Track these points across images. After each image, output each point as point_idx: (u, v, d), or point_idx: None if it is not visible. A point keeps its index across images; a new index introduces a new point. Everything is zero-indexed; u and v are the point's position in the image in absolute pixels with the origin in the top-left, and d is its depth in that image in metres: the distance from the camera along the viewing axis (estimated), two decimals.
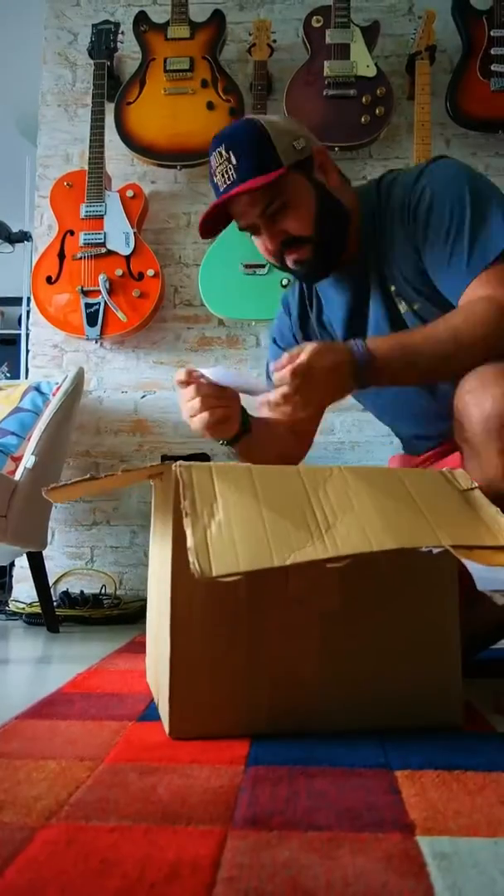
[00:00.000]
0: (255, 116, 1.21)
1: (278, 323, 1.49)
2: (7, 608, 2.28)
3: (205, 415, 1.12)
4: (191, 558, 0.77)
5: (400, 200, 1.20)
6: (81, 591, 2.25)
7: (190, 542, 0.79)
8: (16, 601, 2.28)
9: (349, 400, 2.42)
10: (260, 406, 1.06)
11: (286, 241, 1.19)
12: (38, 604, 2.03)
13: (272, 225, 1.19)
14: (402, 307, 1.25)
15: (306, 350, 1.01)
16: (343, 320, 1.35)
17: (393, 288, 1.24)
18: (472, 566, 0.81)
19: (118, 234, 2.38)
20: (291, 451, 1.41)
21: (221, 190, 1.17)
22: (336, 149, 2.37)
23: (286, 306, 1.47)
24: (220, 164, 1.16)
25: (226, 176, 1.15)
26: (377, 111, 2.34)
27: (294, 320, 1.44)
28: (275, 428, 1.33)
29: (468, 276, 1.11)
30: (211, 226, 1.22)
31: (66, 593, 2.25)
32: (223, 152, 1.16)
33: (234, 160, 1.14)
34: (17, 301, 3.90)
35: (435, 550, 0.82)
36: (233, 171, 1.14)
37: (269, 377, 1.40)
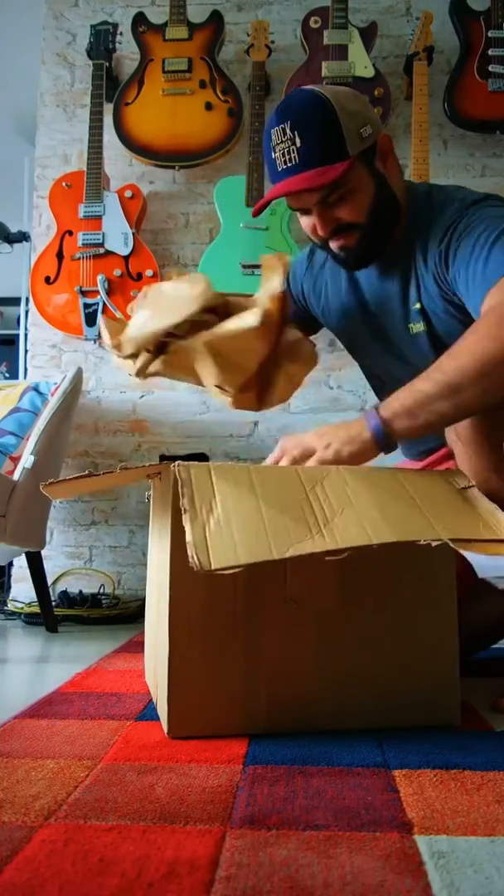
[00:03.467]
0: (324, 91, 1.13)
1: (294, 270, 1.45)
2: (6, 608, 2.28)
3: None
4: (190, 552, 0.77)
5: (443, 225, 1.16)
6: (80, 591, 2.26)
7: (189, 537, 0.79)
8: (14, 601, 2.28)
9: (347, 400, 2.42)
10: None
11: (338, 228, 1.17)
12: (36, 603, 2.03)
13: (326, 212, 1.16)
14: (418, 327, 1.23)
15: (310, 445, 1.01)
16: (363, 308, 1.33)
17: (418, 306, 1.22)
18: (471, 556, 0.80)
19: (117, 234, 2.38)
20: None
21: (280, 169, 1.13)
22: None
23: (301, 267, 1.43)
24: (283, 141, 1.11)
25: (287, 157, 1.11)
26: (375, 112, 2.34)
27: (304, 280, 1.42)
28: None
29: (483, 287, 1.06)
30: (264, 202, 1.19)
31: (64, 593, 2.25)
32: (287, 130, 1.11)
33: (298, 142, 1.10)
34: (15, 301, 3.90)
35: (434, 544, 0.82)
36: (296, 154, 1.10)
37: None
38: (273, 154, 1.14)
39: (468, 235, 1.11)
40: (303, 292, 1.42)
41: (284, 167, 1.12)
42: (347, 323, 1.36)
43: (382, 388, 1.40)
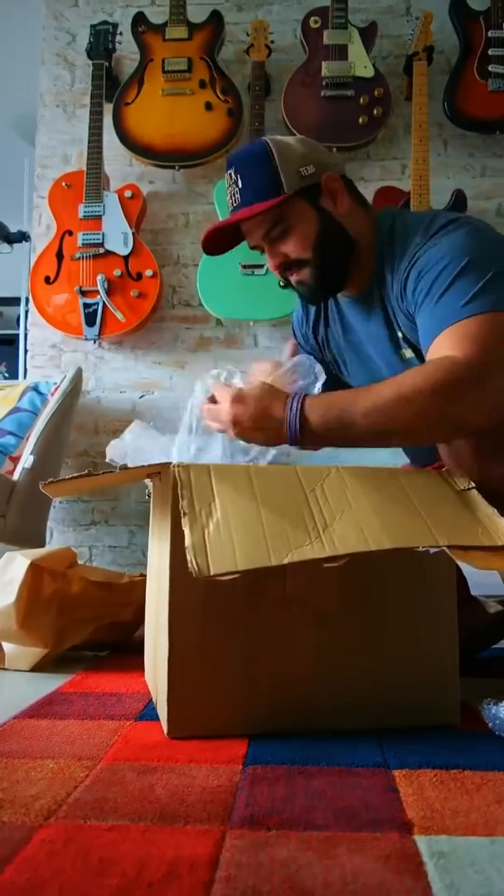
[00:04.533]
0: (269, 138, 1.21)
1: (295, 321, 1.50)
2: None
3: None
4: (189, 557, 0.77)
5: (406, 256, 1.17)
6: None
7: (188, 541, 0.79)
8: None
9: None
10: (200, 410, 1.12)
11: (286, 263, 1.22)
12: None
13: (273, 247, 1.22)
14: (408, 353, 1.24)
15: (252, 383, 1.06)
16: (351, 346, 1.36)
17: (401, 334, 1.23)
18: (467, 570, 0.81)
19: (116, 234, 2.38)
20: None
21: (229, 210, 1.21)
22: (334, 149, 2.37)
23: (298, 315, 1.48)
24: (230, 185, 1.20)
25: (233, 199, 1.20)
26: (375, 112, 2.34)
27: (305, 322, 1.46)
28: None
29: (435, 328, 1.05)
30: (221, 243, 1.26)
31: None
32: (232, 174, 1.19)
33: (239, 183, 1.18)
34: (15, 301, 3.90)
35: (432, 550, 0.82)
36: (238, 194, 1.18)
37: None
38: (226, 199, 1.23)
39: (428, 270, 1.10)
40: (314, 338, 1.45)
41: (231, 208, 1.20)
42: (351, 367, 1.40)
43: None
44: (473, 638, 1.23)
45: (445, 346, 1.01)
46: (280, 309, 2.29)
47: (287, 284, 1.29)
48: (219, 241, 1.25)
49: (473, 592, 1.27)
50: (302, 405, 1.01)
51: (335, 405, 1.01)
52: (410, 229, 1.19)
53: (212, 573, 0.76)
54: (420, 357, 1.21)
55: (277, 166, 1.16)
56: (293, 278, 1.25)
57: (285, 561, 0.79)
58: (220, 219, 2.37)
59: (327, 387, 1.39)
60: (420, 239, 1.15)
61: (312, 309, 1.43)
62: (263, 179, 1.17)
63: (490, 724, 0.87)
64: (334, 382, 1.46)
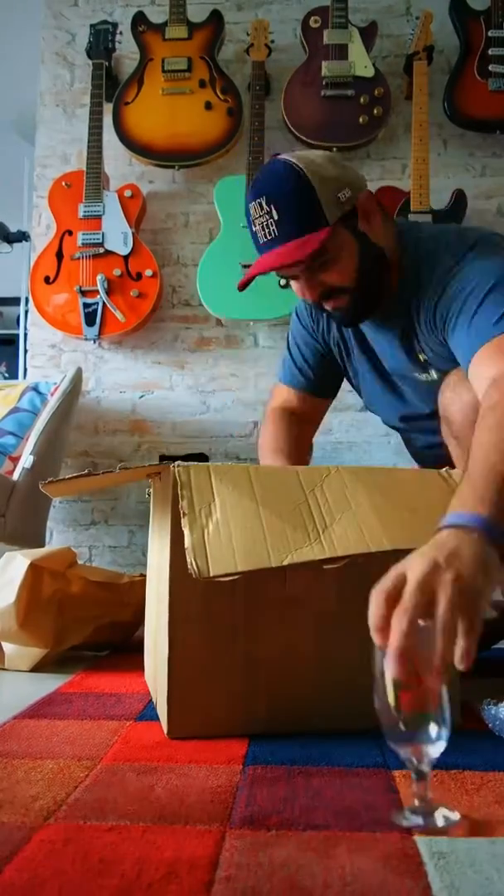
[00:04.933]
0: (298, 162, 1.11)
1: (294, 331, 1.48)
2: None
3: None
4: (188, 558, 0.77)
5: (433, 284, 1.14)
6: None
7: (188, 542, 0.79)
8: None
9: (347, 400, 2.40)
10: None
11: (326, 291, 1.17)
12: None
13: (313, 278, 1.16)
14: (426, 377, 1.23)
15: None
16: (364, 355, 1.35)
17: (423, 357, 1.22)
18: None
19: (116, 234, 2.38)
20: (306, 447, 1.53)
21: (262, 243, 1.13)
22: (334, 149, 2.37)
23: (300, 317, 1.45)
24: (261, 216, 1.11)
25: (266, 231, 1.11)
26: (375, 111, 2.34)
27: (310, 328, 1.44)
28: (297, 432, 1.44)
29: (472, 347, 1.04)
30: (249, 277, 1.19)
31: None
32: (264, 205, 1.10)
33: (275, 215, 1.09)
34: (15, 301, 3.91)
35: None
36: (274, 227, 1.10)
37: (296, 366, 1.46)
38: (253, 227, 1.14)
39: (457, 298, 1.10)
40: (321, 335, 1.42)
41: (265, 240, 1.12)
42: (364, 376, 1.39)
43: (409, 431, 1.45)
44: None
45: (485, 364, 1.01)
46: (280, 309, 2.29)
47: (318, 308, 1.24)
48: (252, 276, 1.17)
49: None
50: (486, 524, 0.73)
51: (489, 493, 0.77)
52: (438, 252, 1.16)
53: (211, 574, 0.76)
54: (439, 371, 1.21)
55: (318, 197, 1.09)
56: (329, 305, 1.20)
57: (285, 562, 0.79)
58: (221, 217, 2.37)
59: (307, 381, 1.44)
60: (448, 263, 1.13)
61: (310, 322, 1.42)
62: (304, 212, 1.09)
63: (490, 725, 0.87)
64: (321, 372, 1.45)
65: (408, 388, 1.31)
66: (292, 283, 1.21)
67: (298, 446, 1.44)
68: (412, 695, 0.61)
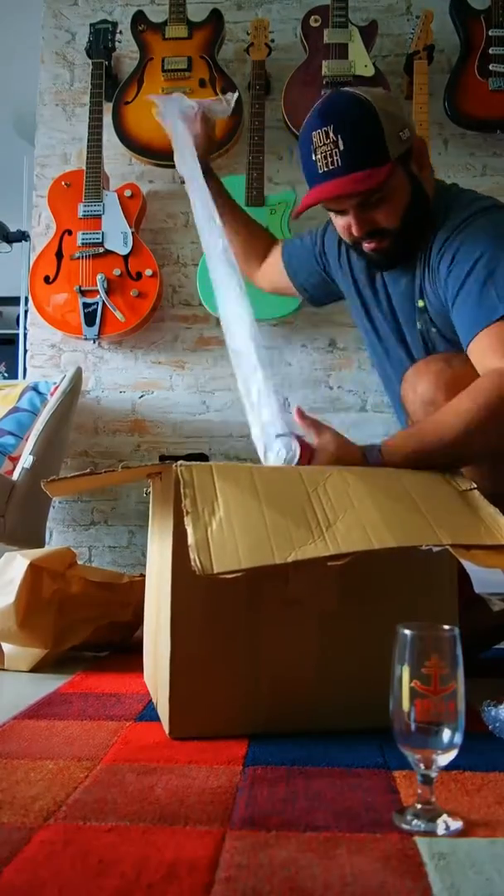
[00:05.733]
0: (366, 95, 1.13)
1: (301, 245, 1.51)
2: None
3: None
4: (192, 555, 0.77)
5: (444, 231, 1.18)
6: None
7: (191, 539, 0.79)
8: None
9: (347, 400, 2.40)
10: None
11: (372, 231, 1.18)
12: None
13: (362, 214, 1.17)
14: (419, 325, 1.26)
15: (323, 436, 1.05)
16: (374, 297, 1.36)
17: (421, 304, 1.24)
18: (470, 568, 0.81)
19: (116, 233, 2.37)
20: (250, 260, 1.61)
21: (321, 172, 1.13)
22: None
23: (316, 240, 1.46)
24: (325, 144, 1.11)
25: (329, 160, 1.11)
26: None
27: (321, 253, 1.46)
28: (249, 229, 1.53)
29: (477, 325, 1.09)
30: (306, 205, 1.19)
31: None
32: (330, 133, 1.10)
33: (341, 144, 1.09)
34: (14, 301, 3.90)
35: (435, 549, 0.82)
36: (338, 157, 1.10)
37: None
38: (314, 157, 1.13)
39: (461, 260, 1.13)
40: (324, 252, 1.44)
41: (326, 170, 1.12)
42: (365, 311, 1.40)
43: (390, 383, 1.45)
44: (479, 638, 1.23)
45: (487, 350, 1.07)
46: (280, 309, 2.28)
47: (354, 247, 1.25)
48: (310, 204, 1.17)
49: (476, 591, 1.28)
50: (380, 454, 1.04)
51: (410, 452, 1.03)
52: (458, 201, 1.20)
53: (215, 571, 0.76)
54: (431, 332, 1.24)
55: (384, 131, 1.10)
56: (370, 245, 1.21)
57: (289, 559, 0.78)
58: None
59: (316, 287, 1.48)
60: (461, 216, 1.17)
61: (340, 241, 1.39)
62: (370, 143, 1.10)
63: (490, 727, 0.86)
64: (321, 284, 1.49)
65: (409, 336, 1.33)
66: (335, 218, 1.22)
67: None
68: (429, 704, 0.61)
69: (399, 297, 1.29)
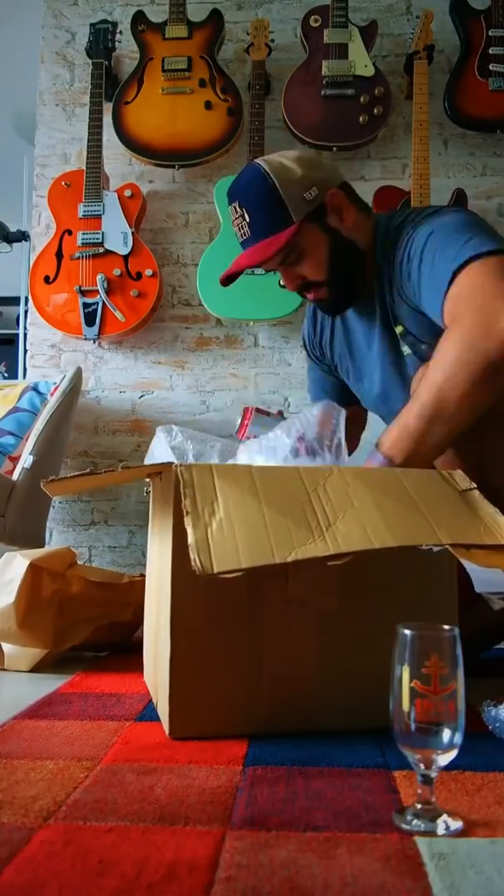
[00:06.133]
0: (265, 165, 1.20)
1: (306, 332, 1.54)
2: None
3: None
4: (192, 555, 0.77)
5: (399, 248, 1.21)
6: None
7: (191, 539, 0.78)
8: None
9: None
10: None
11: (303, 284, 1.26)
12: None
13: (289, 271, 1.25)
14: (405, 350, 1.27)
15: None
16: (350, 351, 1.40)
17: (399, 329, 1.26)
18: (470, 567, 0.81)
19: (116, 233, 2.37)
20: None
21: (240, 241, 1.23)
22: (334, 148, 2.38)
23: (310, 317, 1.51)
24: (236, 218, 1.21)
25: (242, 231, 1.21)
26: (375, 111, 2.34)
27: (312, 333, 1.50)
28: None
29: (439, 292, 1.09)
30: (233, 274, 1.27)
31: None
32: (237, 208, 1.21)
33: (247, 217, 1.19)
34: (14, 301, 3.91)
35: (435, 549, 0.82)
36: (247, 227, 1.20)
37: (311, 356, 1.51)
38: (233, 227, 1.24)
39: (417, 249, 1.15)
40: (320, 347, 1.49)
41: (242, 240, 1.23)
42: (350, 370, 1.43)
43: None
44: (479, 638, 1.23)
45: (447, 316, 1.08)
46: (280, 309, 2.29)
47: (303, 297, 1.31)
48: (230, 276, 1.26)
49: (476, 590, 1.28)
50: (381, 452, 1.06)
51: (404, 443, 1.04)
52: (402, 222, 1.23)
53: (215, 571, 0.75)
54: (417, 354, 1.23)
55: (282, 196, 1.18)
56: (310, 296, 1.28)
57: (289, 559, 0.78)
58: (221, 217, 2.38)
59: (335, 392, 1.44)
60: (408, 230, 1.19)
61: (320, 319, 1.46)
62: (270, 212, 1.18)
63: (490, 727, 0.86)
64: (337, 386, 1.50)
65: (383, 370, 1.34)
66: (280, 274, 1.29)
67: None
68: (429, 704, 0.61)
69: (379, 338, 1.30)
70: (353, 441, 1.53)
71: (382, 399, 1.38)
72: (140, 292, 2.35)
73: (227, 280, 1.27)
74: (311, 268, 1.23)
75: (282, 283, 1.32)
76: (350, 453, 1.50)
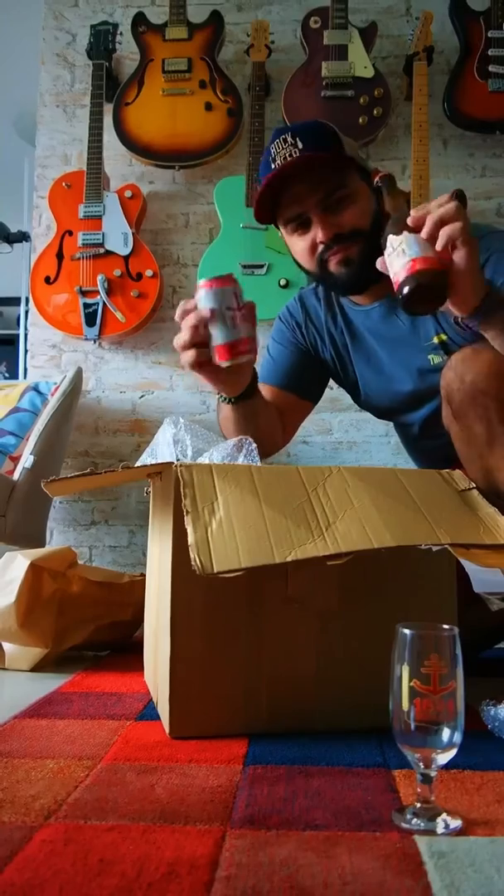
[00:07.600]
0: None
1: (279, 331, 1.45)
2: None
3: (192, 352, 1.04)
4: (192, 555, 0.77)
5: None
6: None
7: (191, 539, 0.79)
8: None
9: (347, 400, 2.42)
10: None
11: (339, 235, 1.14)
12: None
13: (328, 216, 1.13)
14: (434, 360, 1.22)
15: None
16: (360, 352, 1.34)
17: (445, 336, 1.21)
18: (470, 567, 0.81)
19: (117, 234, 2.38)
20: (275, 435, 1.36)
21: (277, 165, 1.11)
22: None
23: (304, 312, 1.42)
24: (284, 148, 1.09)
25: (287, 153, 1.09)
26: (375, 112, 2.35)
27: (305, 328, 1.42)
28: (269, 406, 1.31)
29: None
30: (267, 207, 1.16)
31: None
32: (289, 138, 1.09)
33: (300, 144, 1.08)
34: (15, 301, 3.91)
35: (434, 549, 0.82)
36: (297, 151, 1.09)
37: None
38: (273, 164, 1.11)
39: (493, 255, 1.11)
40: (304, 339, 1.41)
41: (283, 162, 1.10)
42: (362, 373, 1.37)
43: (408, 432, 1.43)
44: (478, 637, 1.23)
45: None
46: (279, 309, 2.28)
47: (320, 272, 1.19)
48: (263, 201, 1.15)
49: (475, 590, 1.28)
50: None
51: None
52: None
53: (215, 571, 0.76)
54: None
55: (342, 140, 1.14)
56: (337, 257, 1.15)
57: (289, 558, 0.79)
58: (221, 217, 2.37)
59: (289, 379, 1.38)
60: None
61: (313, 310, 1.41)
62: (327, 141, 1.12)
63: (489, 726, 0.87)
64: (304, 373, 1.40)
65: (412, 379, 1.29)
66: (298, 241, 1.17)
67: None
68: (428, 703, 0.61)
69: (401, 344, 1.25)
70: (287, 428, 1.41)
71: (403, 399, 1.33)
72: (140, 293, 2.35)
73: (262, 210, 1.15)
74: (356, 214, 1.14)
75: (300, 248, 1.17)
76: (287, 440, 1.42)
